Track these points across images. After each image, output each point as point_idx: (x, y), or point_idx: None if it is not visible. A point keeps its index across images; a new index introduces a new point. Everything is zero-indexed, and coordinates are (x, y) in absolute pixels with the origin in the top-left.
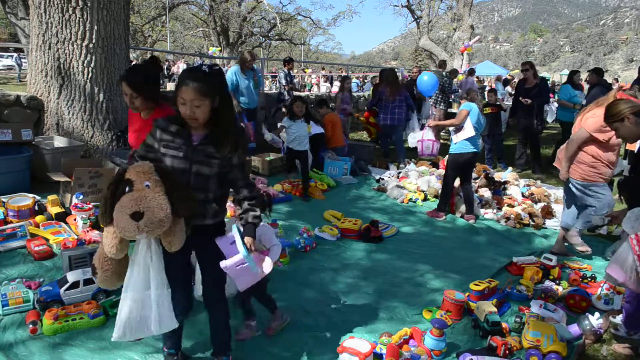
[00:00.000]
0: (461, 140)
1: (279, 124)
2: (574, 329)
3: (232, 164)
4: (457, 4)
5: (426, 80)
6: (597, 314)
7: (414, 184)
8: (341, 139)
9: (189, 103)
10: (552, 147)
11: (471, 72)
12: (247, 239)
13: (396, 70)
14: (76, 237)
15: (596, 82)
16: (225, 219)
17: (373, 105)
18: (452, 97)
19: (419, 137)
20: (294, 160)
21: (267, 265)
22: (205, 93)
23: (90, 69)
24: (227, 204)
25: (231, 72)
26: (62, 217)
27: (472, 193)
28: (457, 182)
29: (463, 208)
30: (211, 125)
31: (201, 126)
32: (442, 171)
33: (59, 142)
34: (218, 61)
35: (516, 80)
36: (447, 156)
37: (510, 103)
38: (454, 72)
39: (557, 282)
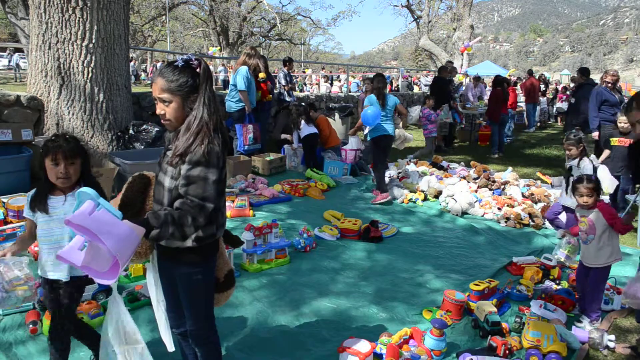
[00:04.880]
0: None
1: None
2: (581, 333)
3: (181, 174)
4: (457, 4)
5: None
6: (612, 336)
7: (414, 184)
8: (337, 138)
9: (158, 100)
10: (554, 148)
11: (477, 79)
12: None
13: (396, 70)
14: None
15: (584, 82)
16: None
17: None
18: (456, 99)
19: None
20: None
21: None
22: (171, 90)
23: (90, 69)
24: (227, 203)
25: (245, 71)
26: None
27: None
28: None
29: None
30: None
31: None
32: (441, 172)
33: None
34: (218, 61)
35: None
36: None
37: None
38: (454, 71)
39: (557, 282)
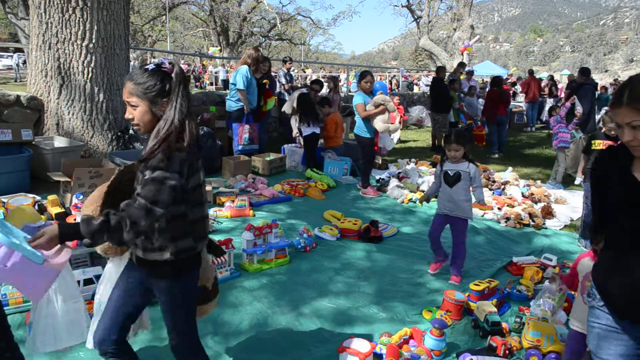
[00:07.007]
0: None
1: None
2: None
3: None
4: (457, 4)
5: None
6: None
7: (414, 184)
8: (341, 138)
9: (127, 104)
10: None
11: (469, 73)
12: (43, 232)
13: (396, 70)
14: None
15: (584, 82)
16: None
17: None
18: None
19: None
20: None
21: (64, 255)
22: (138, 93)
23: (90, 69)
24: (227, 203)
25: (245, 71)
26: (62, 217)
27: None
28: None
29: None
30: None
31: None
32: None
33: (59, 142)
34: (218, 61)
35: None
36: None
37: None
38: (463, 66)
39: None
